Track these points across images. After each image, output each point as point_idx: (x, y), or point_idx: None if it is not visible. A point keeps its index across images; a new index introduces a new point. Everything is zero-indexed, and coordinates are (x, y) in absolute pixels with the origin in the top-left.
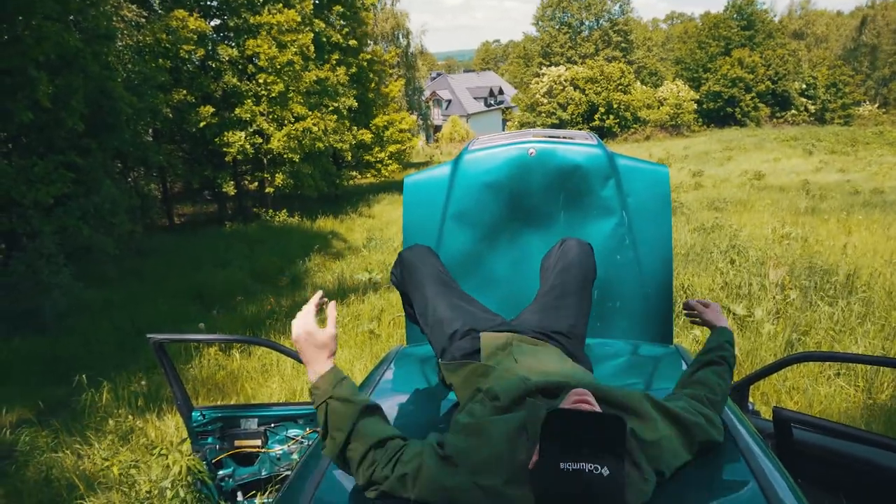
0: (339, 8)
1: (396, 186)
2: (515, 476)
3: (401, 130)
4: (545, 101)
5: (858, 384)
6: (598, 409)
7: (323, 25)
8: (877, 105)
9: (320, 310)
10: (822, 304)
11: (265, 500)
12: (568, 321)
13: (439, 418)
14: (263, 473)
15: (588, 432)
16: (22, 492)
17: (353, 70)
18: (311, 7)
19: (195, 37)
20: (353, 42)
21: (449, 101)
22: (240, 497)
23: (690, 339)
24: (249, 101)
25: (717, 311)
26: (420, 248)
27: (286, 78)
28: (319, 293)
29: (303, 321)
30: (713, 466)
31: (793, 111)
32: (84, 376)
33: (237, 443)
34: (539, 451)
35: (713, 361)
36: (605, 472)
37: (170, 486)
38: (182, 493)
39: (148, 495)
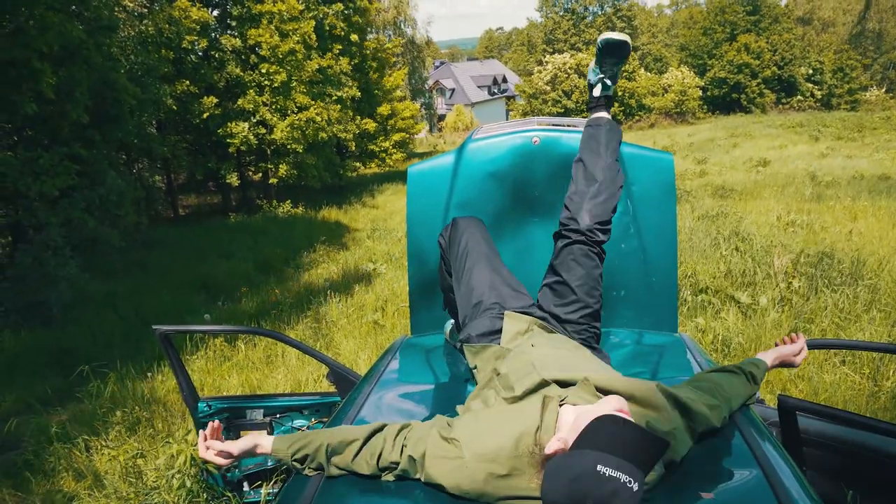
0: (339, 7)
1: (400, 176)
2: (517, 469)
3: (403, 118)
4: (548, 88)
5: (864, 371)
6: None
7: (326, 10)
8: (884, 90)
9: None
10: (827, 292)
11: (271, 491)
12: (580, 312)
13: (445, 407)
14: (269, 464)
15: (635, 446)
16: (31, 482)
17: (356, 60)
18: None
19: (198, 27)
20: (353, 37)
21: (452, 90)
22: (246, 487)
23: (694, 327)
24: (252, 91)
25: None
26: (474, 219)
27: (289, 67)
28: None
29: (213, 455)
30: (718, 455)
31: (798, 97)
32: (89, 367)
33: (243, 433)
34: (575, 444)
35: (726, 369)
36: (635, 487)
37: (176, 475)
38: (188, 484)
39: (155, 485)
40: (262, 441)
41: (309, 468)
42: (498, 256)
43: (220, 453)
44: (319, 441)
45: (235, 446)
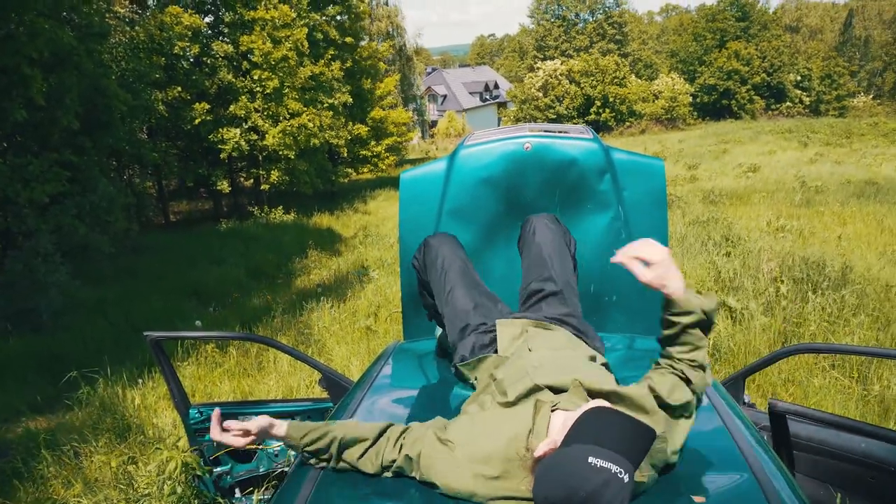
0: (336, 9)
1: (392, 182)
2: (508, 471)
3: (395, 124)
4: (540, 94)
5: (853, 375)
6: None
7: (318, 17)
8: (871, 96)
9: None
10: (814, 297)
11: (262, 497)
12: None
13: (437, 412)
14: (261, 470)
15: (624, 436)
16: (19, 489)
17: (349, 64)
18: (307, 4)
19: (189, 33)
20: (349, 39)
21: (444, 97)
22: (237, 493)
23: None
24: (244, 97)
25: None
26: (445, 235)
27: (281, 74)
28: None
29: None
30: (710, 459)
31: (787, 103)
32: (79, 374)
33: None
34: (565, 440)
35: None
36: (626, 478)
37: (167, 482)
38: (179, 490)
39: (146, 491)
40: (277, 422)
41: (318, 459)
42: (473, 271)
43: (238, 433)
44: (333, 435)
45: (253, 424)
